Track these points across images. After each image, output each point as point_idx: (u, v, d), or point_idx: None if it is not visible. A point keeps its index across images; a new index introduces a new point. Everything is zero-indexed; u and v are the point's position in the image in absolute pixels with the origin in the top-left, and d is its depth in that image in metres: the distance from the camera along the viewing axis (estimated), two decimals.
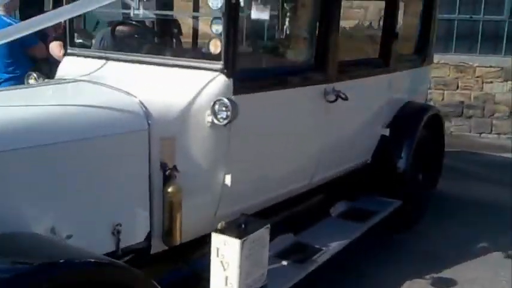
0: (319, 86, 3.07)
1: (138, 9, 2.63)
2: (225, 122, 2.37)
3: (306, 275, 2.81)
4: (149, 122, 2.31)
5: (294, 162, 3.07)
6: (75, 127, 2.13)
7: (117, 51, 2.86)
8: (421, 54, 4.46)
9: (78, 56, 2.93)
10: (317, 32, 3.08)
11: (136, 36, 3.17)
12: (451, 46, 8.40)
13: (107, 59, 2.75)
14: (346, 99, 3.19)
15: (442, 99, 8.46)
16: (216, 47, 2.48)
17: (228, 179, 2.57)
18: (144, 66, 2.63)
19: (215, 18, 2.46)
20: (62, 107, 2.22)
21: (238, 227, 2.38)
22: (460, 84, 8.46)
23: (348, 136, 3.51)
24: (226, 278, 2.34)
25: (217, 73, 2.47)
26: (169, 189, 2.37)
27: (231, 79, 2.48)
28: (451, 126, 8.32)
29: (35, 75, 2.87)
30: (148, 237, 2.40)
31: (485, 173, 5.96)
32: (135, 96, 2.37)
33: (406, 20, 5.29)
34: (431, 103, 8.35)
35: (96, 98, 2.35)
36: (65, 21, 2.93)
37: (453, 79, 8.44)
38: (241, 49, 3.01)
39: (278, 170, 2.95)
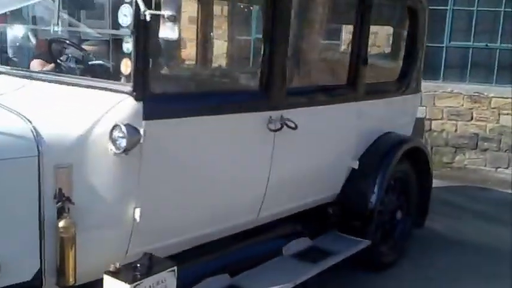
0: (260, 114, 2.79)
1: (57, 25, 2.45)
2: (121, 150, 2.13)
3: None
4: (40, 148, 2.09)
5: (228, 197, 2.78)
6: None
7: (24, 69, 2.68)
8: (405, 81, 4.13)
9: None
10: (262, 53, 2.82)
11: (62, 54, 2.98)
12: (466, 75, 7.99)
13: (17, 76, 2.58)
14: (294, 128, 2.91)
15: (456, 130, 8.03)
16: (126, 67, 2.25)
17: (137, 214, 2.32)
18: (52, 85, 2.43)
19: (124, 36, 2.23)
20: None
21: (134, 269, 2.11)
22: (474, 115, 8.01)
23: (303, 169, 3.20)
24: None
25: (125, 95, 2.24)
26: (60, 224, 2.12)
27: (141, 103, 2.24)
28: (465, 160, 7.89)
29: None
30: (38, 276, 2.15)
31: (488, 211, 5.50)
32: (29, 120, 2.15)
33: (390, 45, 5.01)
34: (444, 134, 8.00)
35: None
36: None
37: (467, 109, 8.00)
38: (167, 71, 2.77)
39: (206, 206, 2.66)
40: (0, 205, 2.02)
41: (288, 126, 2.88)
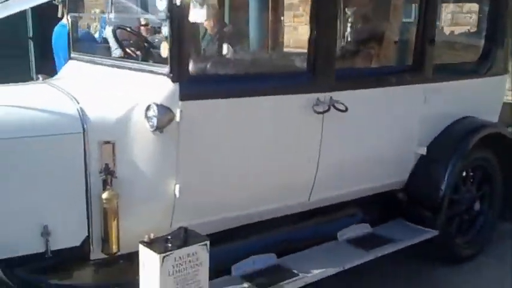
0: (305, 96, 2.76)
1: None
2: (154, 128, 2.25)
3: None
4: (85, 125, 2.30)
5: (271, 179, 2.79)
6: (6, 126, 2.19)
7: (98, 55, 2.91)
8: (486, 62, 3.81)
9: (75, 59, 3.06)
10: (309, 35, 2.79)
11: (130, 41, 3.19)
12: None
13: (87, 61, 2.82)
14: (344, 110, 2.84)
15: None
16: (164, 50, 2.37)
17: (177, 190, 2.44)
18: (107, 69, 2.63)
19: (162, 20, 2.36)
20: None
21: (166, 241, 2.23)
22: None
23: (357, 153, 3.11)
24: None
25: (163, 77, 2.37)
26: (104, 196, 2.31)
27: (177, 84, 2.35)
28: None
29: (40, 77, 3.04)
30: (86, 243, 2.37)
31: None
32: (77, 100, 2.37)
33: (472, 23, 4.62)
34: None
35: (38, 100, 2.41)
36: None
37: None
38: (208, 53, 2.84)
39: (248, 186, 2.71)
40: (50, 176, 2.26)
41: (337, 109, 2.82)
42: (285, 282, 2.64)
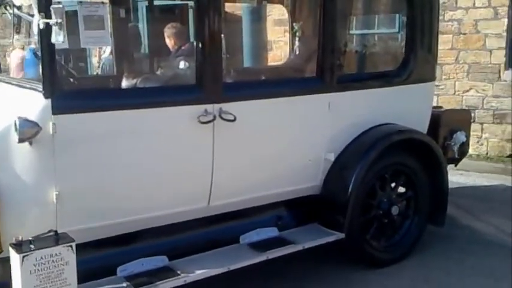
0: (192, 107, 2.96)
1: None
2: (18, 141, 2.50)
3: None
4: None
5: (163, 186, 2.99)
6: None
7: None
8: (406, 68, 3.88)
9: None
10: (196, 46, 2.99)
11: None
12: None
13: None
14: (232, 120, 3.02)
15: None
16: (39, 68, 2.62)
17: (55, 197, 2.66)
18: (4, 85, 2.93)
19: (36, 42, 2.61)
20: None
21: (31, 243, 2.45)
22: None
23: (256, 161, 3.25)
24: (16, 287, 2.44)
25: (37, 93, 2.62)
26: None
27: (49, 99, 2.59)
28: None
29: None
30: None
31: None
32: None
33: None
34: None
35: None
36: None
37: None
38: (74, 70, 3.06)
39: (135, 194, 2.90)
40: None
41: (224, 119, 3.00)
42: (161, 282, 2.81)
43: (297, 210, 3.64)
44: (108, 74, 4.23)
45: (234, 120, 3.04)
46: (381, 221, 3.75)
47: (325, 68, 3.44)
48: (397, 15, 5.08)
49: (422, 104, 4.07)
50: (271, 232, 3.45)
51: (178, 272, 2.92)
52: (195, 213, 3.19)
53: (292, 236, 3.43)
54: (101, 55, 6.79)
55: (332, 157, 3.54)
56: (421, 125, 4.04)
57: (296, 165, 3.47)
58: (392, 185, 3.83)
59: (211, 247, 3.22)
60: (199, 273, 2.92)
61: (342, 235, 3.46)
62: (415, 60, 3.91)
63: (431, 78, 4.07)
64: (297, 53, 4.61)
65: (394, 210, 3.76)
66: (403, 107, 3.88)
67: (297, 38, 4.53)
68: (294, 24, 4.60)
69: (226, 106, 3.05)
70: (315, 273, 3.68)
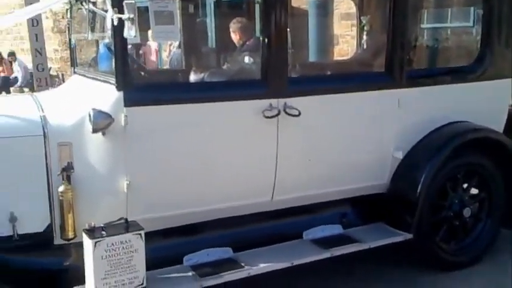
0: (257, 101, 2.97)
1: None
2: (92, 131, 2.60)
3: None
4: (45, 129, 2.72)
5: (227, 180, 3.02)
6: None
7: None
8: (480, 65, 3.69)
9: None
10: (262, 41, 2.99)
11: None
12: None
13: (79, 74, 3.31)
14: (297, 115, 3.00)
15: None
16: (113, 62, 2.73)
17: (126, 187, 2.76)
18: (83, 78, 3.09)
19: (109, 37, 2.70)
20: None
21: (103, 229, 2.56)
22: None
23: (321, 157, 3.21)
24: (89, 272, 2.55)
25: (110, 86, 2.72)
26: (60, 189, 2.70)
27: (122, 92, 2.68)
28: None
29: None
30: (50, 229, 2.78)
31: None
32: (42, 108, 2.80)
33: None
34: None
35: (13, 108, 2.87)
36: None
37: None
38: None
39: (203, 186, 2.95)
40: (19, 171, 2.70)
41: (289, 114, 2.99)
42: (226, 273, 2.85)
43: (362, 208, 3.56)
44: (177, 68, 4.33)
45: (299, 115, 3.02)
46: (451, 223, 3.60)
47: (395, 63, 3.34)
48: (472, 8, 4.85)
49: (498, 101, 3.86)
50: (336, 229, 3.40)
51: (243, 264, 2.94)
52: (259, 207, 3.21)
53: (358, 235, 3.36)
54: (170, 50, 7.00)
55: (400, 155, 3.44)
56: (497, 123, 3.84)
57: (362, 163, 3.39)
58: (465, 185, 3.66)
59: (274, 241, 3.22)
60: (263, 267, 2.93)
61: (409, 236, 3.35)
62: (491, 56, 3.71)
63: (508, 74, 3.85)
64: (365, 47, 4.51)
65: (466, 212, 3.60)
66: (477, 104, 3.69)
67: (364, 32, 4.43)
68: (362, 18, 4.50)
69: (291, 101, 3.04)
70: (381, 274, 3.58)
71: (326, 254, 3.11)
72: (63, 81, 11.33)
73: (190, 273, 2.84)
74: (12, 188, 2.69)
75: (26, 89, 11.20)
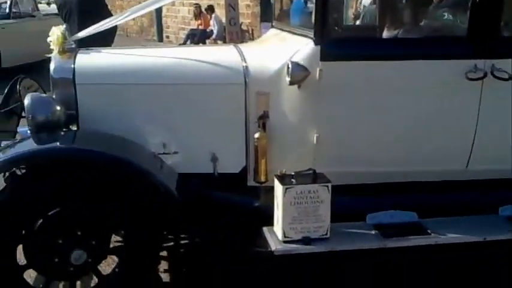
0: (460, 62, 2.76)
1: None
2: (288, 83, 2.68)
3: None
4: (246, 78, 2.89)
5: (420, 142, 2.90)
6: (186, 74, 2.95)
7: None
8: None
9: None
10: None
11: None
12: None
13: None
14: (506, 79, 2.72)
15: None
16: (312, 16, 2.76)
17: (315, 139, 2.83)
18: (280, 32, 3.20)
19: None
20: (188, 60, 3.04)
21: (292, 177, 2.68)
22: None
23: None
24: (278, 216, 2.72)
25: (308, 39, 2.77)
26: (256, 136, 2.88)
27: (319, 46, 2.72)
28: None
29: None
30: (244, 172, 3.00)
31: None
32: (245, 58, 2.96)
33: None
34: None
35: (216, 56, 3.08)
36: None
37: None
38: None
39: (393, 146, 2.89)
40: (219, 117, 2.94)
41: (496, 77, 2.73)
42: (413, 237, 2.77)
43: None
44: (370, 24, 4.23)
45: (509, 79, 2.74)
46: None
47: None
48: None
49: None
50: None
51: (429, 231, 2.83)
52: (450, 174, 3.03)
53: None
54: (357, 7, 6.83)
55: None
56: None
57: None
58: None
59: (464, 213, 3.03)
60: (452, 237, 2.78)
61: None
62: None
63: None
64: None
65: None
66: None
67: None
68: None
69: (501, 63, 2.76)
70: None
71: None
72: (253, 36, 11.93)
73: (373, 232, 2.83)
74: (215, 131, 2.95)
75: (219, 42, 12.08)
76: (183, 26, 15.04)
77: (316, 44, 2.73)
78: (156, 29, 16.61)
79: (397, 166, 2.96)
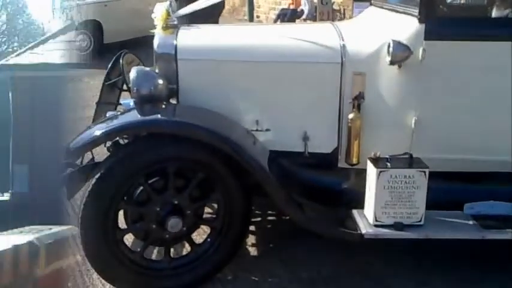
0: None
1: None
2: (388, 63, 2.58)
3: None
4: (343, 58, 2.82)
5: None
6: (283, 52, 2.94)
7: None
8: None
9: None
10: None
11: None
12: None
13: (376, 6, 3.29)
14: None
15: None
16: None
17: (413, 122, 2.72)
18: (380, 10, 3.09)
19: None
20: (285, 38, 3.04)
21: (387, 161, 2.60)
22: None
23: None
24: (369, 199, 2.66)
25: (412, 18, 2.64)
26: (350, 116, 2.82)
27: (424, 25, 2.59)
28: None
29: None
30: (336, 152, 2.96)
31: None
32: (343, 37, 2.89)
33: None
34: None
35: (314, 35, 3.03)
36: None
37: None
38: None
39: (492, 132, 2.72)
40: (312, 95, 2.90)
41: None
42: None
43: None
44: (477, 2, 3.97)
45: None
46: None
47: None
48: None
49: None
50: None
51: None
52: None
53: None
54: None
55: None
56: None
57: None
58: None
59: None
60: None
61: None
62: None
63: None
64: None
65: None
66: None
67: None
68: None
69: None
70: None
71: None
72: (344, 15, 11.65)
73: (470, 222, 2.69)
74: (308, 109, 2.93)
75: (309, 22, 11.91)
76: (274, 5, 15.00)
77: (420, 22, 2.61)
78: (247, 9, 16.74)
79: (495, 155, 2.78)
